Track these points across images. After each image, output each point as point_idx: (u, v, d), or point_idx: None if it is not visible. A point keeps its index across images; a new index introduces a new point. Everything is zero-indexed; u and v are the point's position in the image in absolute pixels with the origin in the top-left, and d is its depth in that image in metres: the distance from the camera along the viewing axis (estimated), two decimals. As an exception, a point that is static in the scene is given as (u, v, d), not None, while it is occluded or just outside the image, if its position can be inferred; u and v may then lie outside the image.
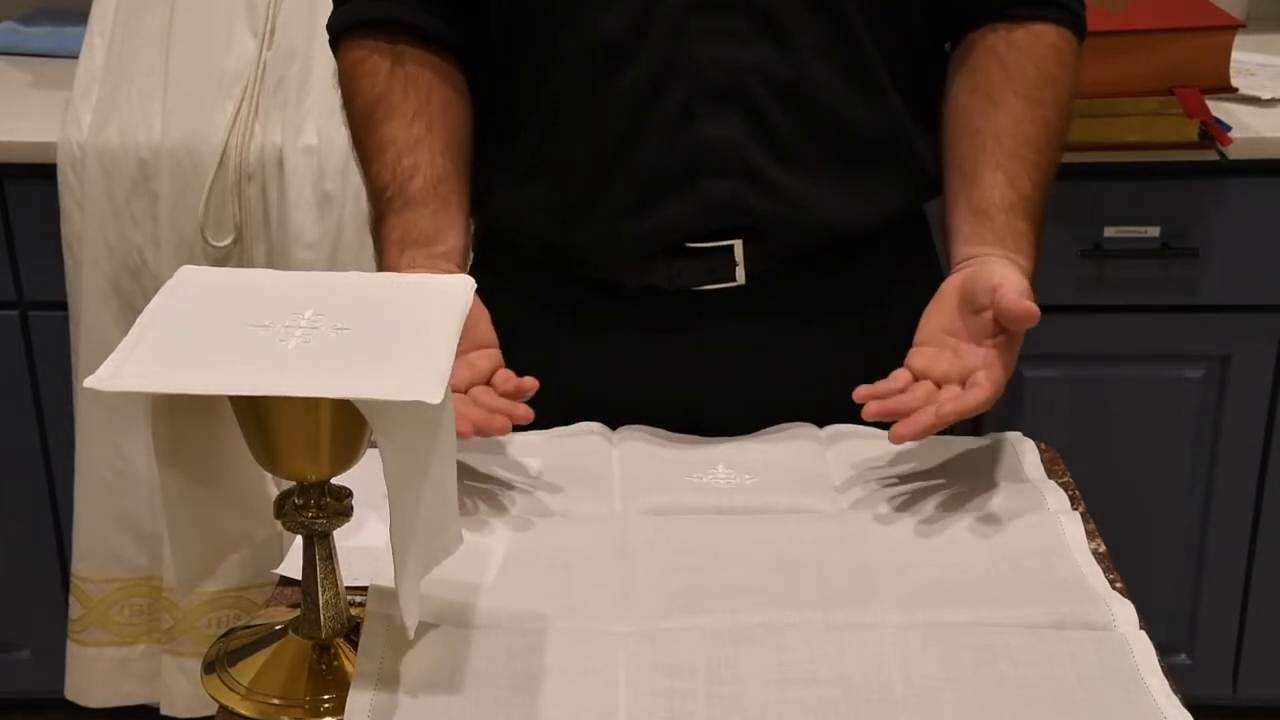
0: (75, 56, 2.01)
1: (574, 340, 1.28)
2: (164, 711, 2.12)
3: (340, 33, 1.26)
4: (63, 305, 2.01)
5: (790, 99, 1.20)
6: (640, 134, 1.20)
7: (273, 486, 0.96)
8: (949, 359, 1.13)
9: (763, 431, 1.23)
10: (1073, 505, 1.12)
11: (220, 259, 1.94)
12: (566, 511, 1.12)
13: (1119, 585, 1.02)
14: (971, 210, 1.19)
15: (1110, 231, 1.96)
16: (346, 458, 0.91)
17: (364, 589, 0.97)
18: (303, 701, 0.93)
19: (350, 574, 0.97)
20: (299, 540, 0.97)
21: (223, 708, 0.94)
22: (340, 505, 0.94)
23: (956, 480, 1.15)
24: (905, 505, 1.12)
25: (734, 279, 1.24)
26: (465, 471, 1.12)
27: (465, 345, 0.99)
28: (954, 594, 1.00)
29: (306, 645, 0.95)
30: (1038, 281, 1.16)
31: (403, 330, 0.89)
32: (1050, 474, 1.17)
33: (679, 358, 1.26)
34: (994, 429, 1.24)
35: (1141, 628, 0.97)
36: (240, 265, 1.94)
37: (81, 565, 2.08)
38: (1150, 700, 0.91)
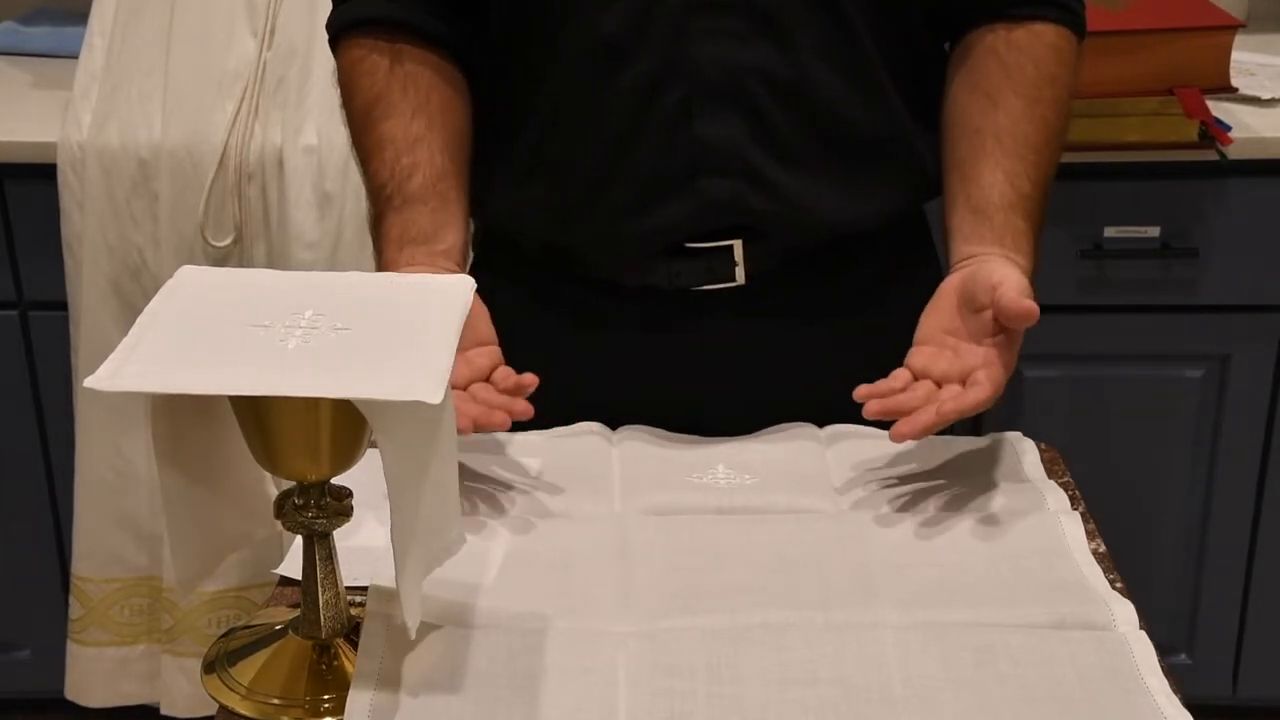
0: (75, 56, 2.01)
1: (574, 340, 1.28)
2: (164, 711, 2.12)
3: (339, 32, 1.26)
4: (63, 305, 2.01)
5: (790, 99, 1.20)
6: (640, 134, 1.20)
7: (273, 486, 0.96)
8: (949, 358, 1.13)
9: (763, 431, 1.23)
10: (1073, 505, 1.12)
11: (220, 259, 1.94)
12: (566, 511, 1.12)
13: (1119, 585, 1.02)
14: (971, 209, 1.19)
15: (1110, 231, 1.96)
16: (346, 458, 0.91)
17: (364, 589, 0.97)
18: (303, 701, 0.93)
19: (350, 574, 0.97)
20: (299, 540, 0.97)
21: (223, 708, 0.94)
22: (340, 505, 0.94)
23: (956, 480, 1.15)
24: (905, 505, 1.12)
25: (734, 279, 1.24)
26: (465, 472, 1.12)
27: (465, 343, 0.99)
28: (954, 594, 1.00)
29: (306, 645, 0.95)
30: (1037, 281, 1.16)
31: (403, 330, 0.89)
32: (1050, 474, 1.17)
33: (679, 358, 1.26)
34: (994, 429, 1.24)
35: (1141, 628, 0.97)
36: (240, 265, 1.94)
37: (81, 565, 2.08)
38: (1150, 700, 0.91)
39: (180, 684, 2.10)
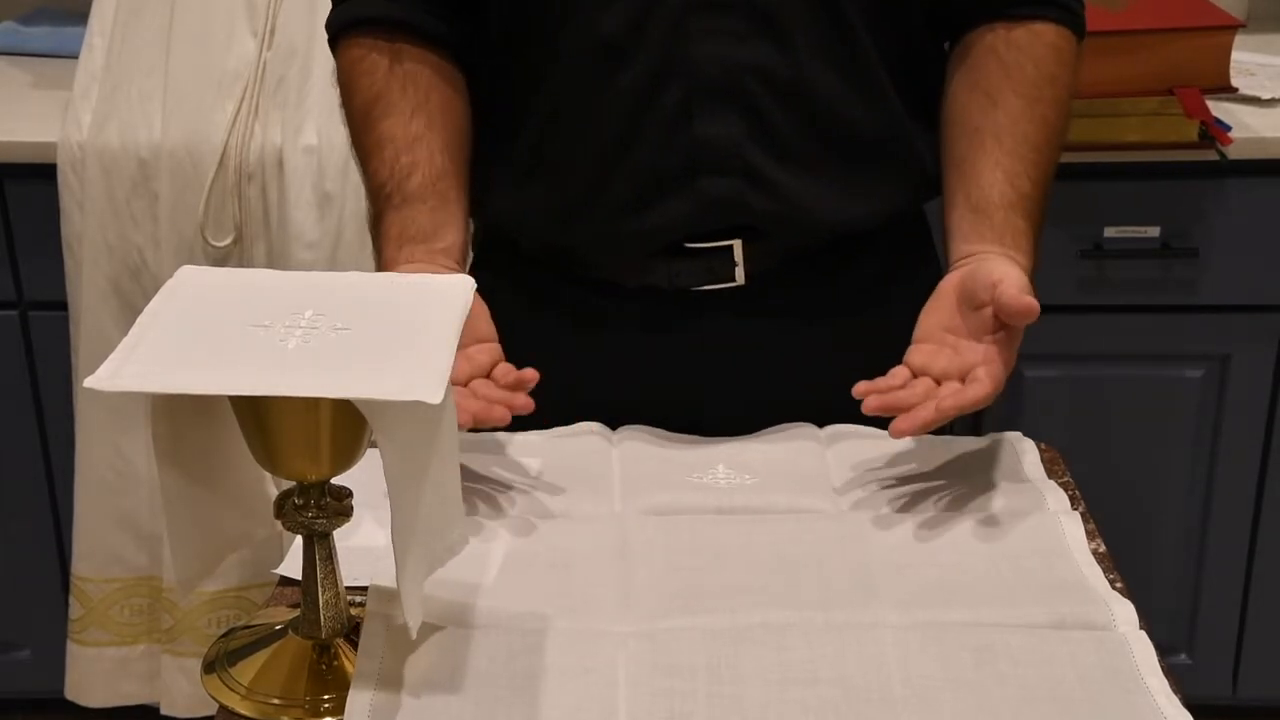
0: (75, 56, 2.01)
1: (574, 340, 1.28)
2: (164, 711, 2.12)
3: (339, 31, 1.26)
4: (63, 305, 2.01)
5: (789, 98, 1.20)
6: (640, 133, 1.20)
7: (273, 486, 0.96)
8: (948, 356, 1.12)
9: (763, 431, 1.23)
10: (1073, 505, 1.12)
11: (220, 259, 1.94)
12: (566, 512, 1.12)
13: (1119, 585, 1.02)
14: (970, 208, 1.19)
15: (1110, 231, 1.96)
16: (346, 458, 0.91)
17: (364, 589, 0.97)
18: (303, 701, 0.93)
19: (350, 574, 0.97)
20: (299, 540, 0.97)
21: (223, 708, 0.94)
22: (340, 505, 0.94)
23: (956, 480, 1.15)
24: (905, 505, 1.12)
25: (733, 279, 1.24)
26: (465, 472, 1.12)
27: (465, 340, 0.99)
28: (954, 594, 1.00)
29: (306, 645, 0.95)
30: (1037, 281, 1.16)
31: (403, 330, 0.89)
32: (1050, 474, 1.17)
33: (679, 358, 1.26)
34: (994, 429, 1.24)
35: (1141, 628, 0.97)
36: (240, 265, 1.94)
37: (81, 565, 2.08)
38: (1150, 700, 0.91)
39: (180, 684, 2.10)
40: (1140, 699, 0.91)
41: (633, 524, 1.09)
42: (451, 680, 0.92)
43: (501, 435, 1.19)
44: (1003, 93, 1.21)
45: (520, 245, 1.30)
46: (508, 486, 1.15)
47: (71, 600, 2.10)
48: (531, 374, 1.12)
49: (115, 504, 2.04)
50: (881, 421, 1.11)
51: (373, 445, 0.88)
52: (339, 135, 1.87)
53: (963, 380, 1.10)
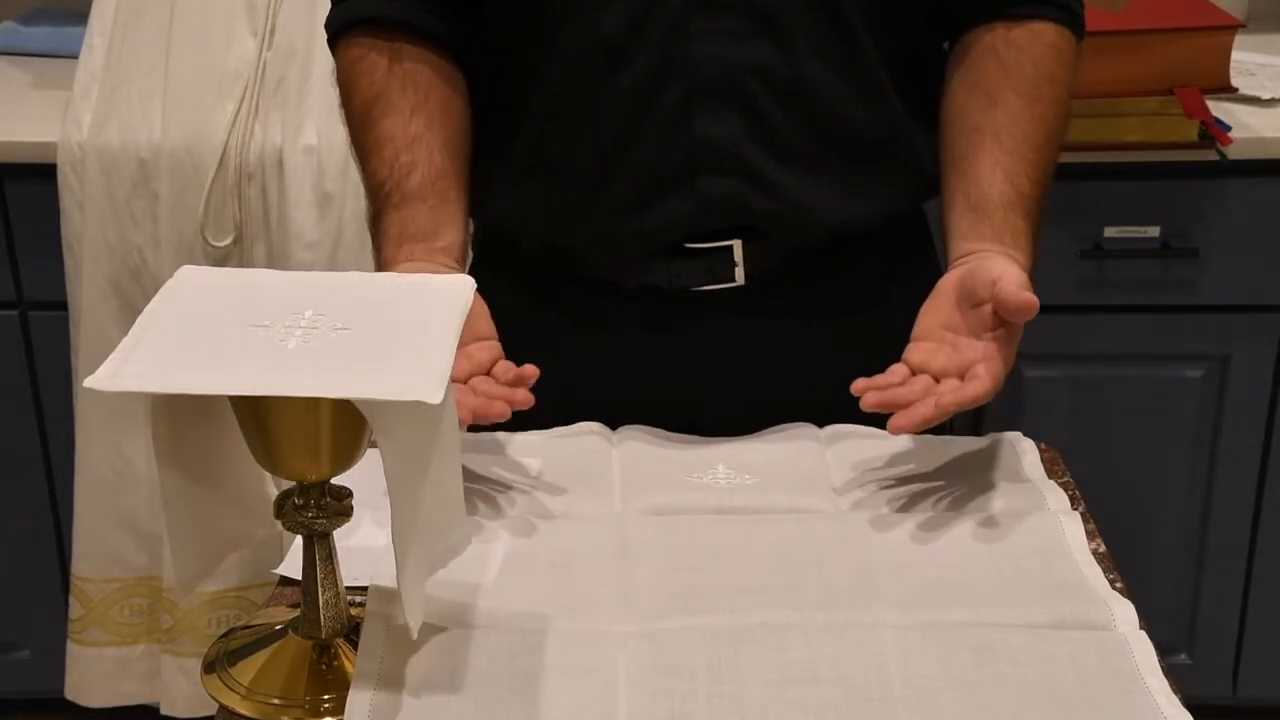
0: (75, 56, 2.01)
1: (574, 340, 1.28)
2: (164, 711, 2.12)
3: (338, 31, 1.26)
4: (63, 305, 2.01)
5: (789, 98, 1.20)
6: (640, 133, 1.20)
7: (273, 486, 0.96)
8: (948, 353, 1.12)
9: (763, 431, 1.23)
10: (1073, 505, 1.12)
11: (220, 259, 1.94)
12: (566, 512, 1.12)
13: (1119, 585, 1.02)
14: (969, 207, 1.19)
15: (1110, 231, 1.96)
16: (346, 458, 0.91)
17: (364, 589, 0.97)
18: (303, 701, 0.93)
19: (350, 574, 0.97)
20: (299, 540, 0.97)
21: (223, 708, 0.94)
22: (340, 505, 0.94)
23: (956, 480, 1.15)
24: (905, 505, 1.12)
25: (733, 279, 1.24)
26: (465, 473, 1.12)
27: (465, 339, 0.98)
28: (954, 594, 1.00)
29: (306, 645, 0.95)
30: (1037, 281, 1.16)
31: (403, 330, 0.89)
32: (1050, 474, 1.17)
33: (679, 358, 1.26)
34: (994, 429, 1.24)
35: (1141, 628, 0.97)
36: (240, 265, 1.94)
37: (81, 565, 2.08)
38: (1150, 700, 0.91)
39: (180, 684, 2.10)
40: (1140, 699, 0.91)
41: (633, 524, 1.09)
42: (451, 680, 0.92)
43: (501, 435, 1.19)
44: (1002, 92, 1.21)
45: (520, 245, 1.30)
46: (508, 486, 1.15)
47: (71, 600, 2.10)
48: (532, 370, 1.12)
49: (115, 504, 2.04)
50: (881, 421, 1.11)
51: (373, 445, 0.88)
52: (339, 135, 1.87)
53: (962, 378, 1.10)
